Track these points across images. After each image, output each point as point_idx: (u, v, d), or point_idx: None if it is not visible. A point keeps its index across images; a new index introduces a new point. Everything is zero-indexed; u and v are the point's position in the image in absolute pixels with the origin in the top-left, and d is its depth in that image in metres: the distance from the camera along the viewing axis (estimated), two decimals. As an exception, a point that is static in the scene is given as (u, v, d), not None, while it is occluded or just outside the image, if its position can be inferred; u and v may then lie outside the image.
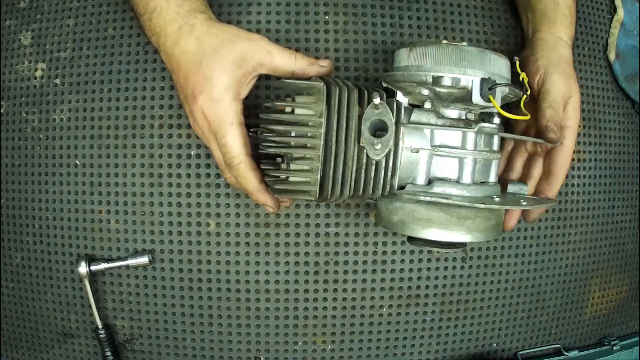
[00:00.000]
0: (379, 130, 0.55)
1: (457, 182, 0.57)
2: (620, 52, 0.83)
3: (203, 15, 0.60)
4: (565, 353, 0.79)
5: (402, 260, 0.73)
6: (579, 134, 0.80)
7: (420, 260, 0.74)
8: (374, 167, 0.56)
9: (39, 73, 0.74)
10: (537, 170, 0.66)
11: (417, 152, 0.56)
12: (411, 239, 0.60)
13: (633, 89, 0.84)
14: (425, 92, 0.57)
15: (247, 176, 0.59)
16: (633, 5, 0.86)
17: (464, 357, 0.77)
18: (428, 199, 0.54)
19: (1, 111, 0.76)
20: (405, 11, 0.73)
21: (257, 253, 0.71)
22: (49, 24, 0.75)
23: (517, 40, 0.77)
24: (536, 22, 0.70)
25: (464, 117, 0.58)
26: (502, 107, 0.55)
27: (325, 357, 0.74)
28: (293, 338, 0.73)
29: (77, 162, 0.73)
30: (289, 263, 0.72)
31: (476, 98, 0.54)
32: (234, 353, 0.73)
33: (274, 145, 0.58)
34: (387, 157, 0.55)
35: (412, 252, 0.73)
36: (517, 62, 0.62)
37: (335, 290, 0.72)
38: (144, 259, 0.70)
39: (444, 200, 0.54)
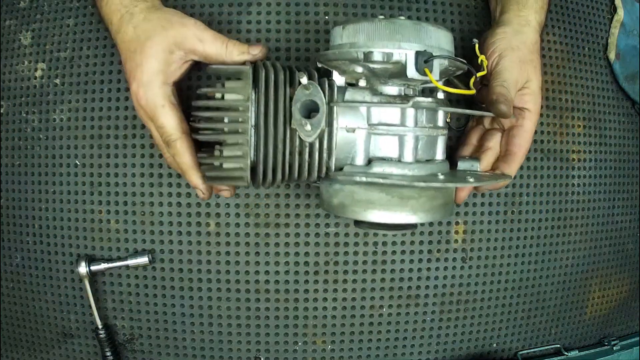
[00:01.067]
0: (312, 111, 0.53)
1: (399, 160, 0.54)
2: (620, 52, 0.83)
3: (145, 3, 0.60)
4: (565, 353, 0.79)
5: (402, 260, 0.73)
6: (579, 134, 0.80)
7: (420, 260, 0.74)
8: (307, 150, 0.54)
9: (39, 73, 0.74)
10: (492, 143, 0.65)
11: (354, 131, 0.54)
12: (357, 223, 0.58)
13: (633, 89, 0.84)
14: (359, 69, 0.54)
15: (182, 153, 0.59)
16: (633, 5, 0.86)
17: (464, 357, 0.77)
18: (364, 179, 0.52)
19: (1, 111, 0.76)
20: (405, 11, 0.73)
21: (257, 253, 0.71)
22: (49, 24, 0.75)
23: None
24: (505, 1, 0.68)
25: (403, 94, 0.55)
26: (448, 82, 0.52)
27: (325, 357, 0.74)
28: (293, 338, 0.73)
29: (77, 162, 0.72)
30: (289, 263, 0.72)
31: (411, 72, 0.51)
32: (234, 353, 0.73)
33: (207, 132, 0.56)
34: (320, 138, 0.53)
35: (412, 252, 0.73)
36: (477, 45, 0.60)
37: (335, 290, 0.72)
38: (144, 259, 0.70)
39: (381, 180, 0.51)
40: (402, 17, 0.54)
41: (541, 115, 0.77)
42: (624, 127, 0.84)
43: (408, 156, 0.54)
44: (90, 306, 0.71)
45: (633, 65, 0.84)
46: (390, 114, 0.54)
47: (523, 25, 0.66)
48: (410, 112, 0.54)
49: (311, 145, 0.54)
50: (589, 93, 0.81)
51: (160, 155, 0.71)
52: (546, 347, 0.79)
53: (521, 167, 0.76)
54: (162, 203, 0.71)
